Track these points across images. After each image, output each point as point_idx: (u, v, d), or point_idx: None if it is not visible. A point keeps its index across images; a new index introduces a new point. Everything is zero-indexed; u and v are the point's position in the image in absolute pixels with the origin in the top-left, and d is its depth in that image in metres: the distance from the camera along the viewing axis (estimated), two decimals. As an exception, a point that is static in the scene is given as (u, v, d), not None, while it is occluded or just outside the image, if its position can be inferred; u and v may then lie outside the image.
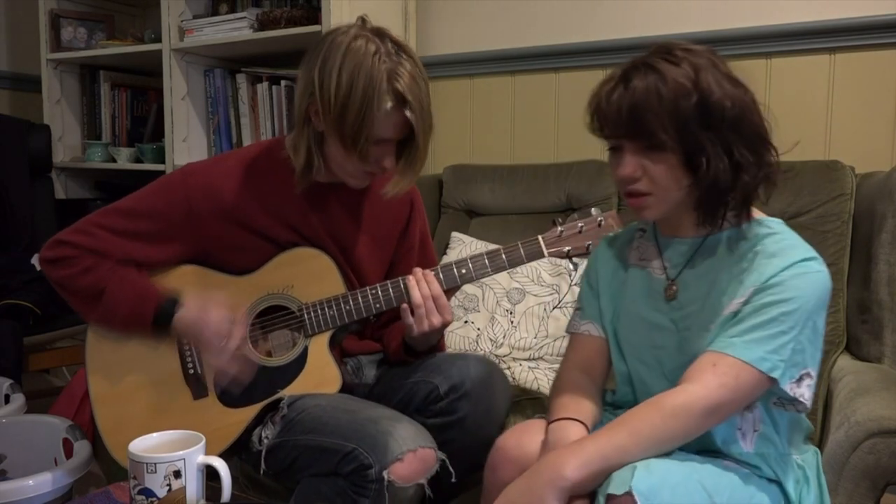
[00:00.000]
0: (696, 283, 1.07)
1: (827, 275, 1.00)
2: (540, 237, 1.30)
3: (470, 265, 1.30)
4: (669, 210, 1.04)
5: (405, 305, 1.29)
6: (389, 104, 1.20)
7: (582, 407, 1.08)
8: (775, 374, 0.95)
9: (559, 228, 1.29)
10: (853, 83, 1.84)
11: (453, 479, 1.23)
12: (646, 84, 0.97)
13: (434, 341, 1.38)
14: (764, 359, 0.95)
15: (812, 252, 1.01)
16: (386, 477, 1.13)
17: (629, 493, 0.87)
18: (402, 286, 1.31)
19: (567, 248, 1.28)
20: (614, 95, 0.99)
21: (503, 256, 1.30)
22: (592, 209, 1.30)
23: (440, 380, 1.31)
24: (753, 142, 0.99)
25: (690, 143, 0.96)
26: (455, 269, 1.30)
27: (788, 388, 0.97)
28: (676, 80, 0.96)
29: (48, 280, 1.37)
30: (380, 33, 1.24)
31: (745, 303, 0.99)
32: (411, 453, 1.16)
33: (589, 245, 1.28)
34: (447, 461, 1.22)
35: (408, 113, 1.21)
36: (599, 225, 1.27)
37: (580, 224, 1.29)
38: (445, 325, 1.30)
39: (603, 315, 1.18)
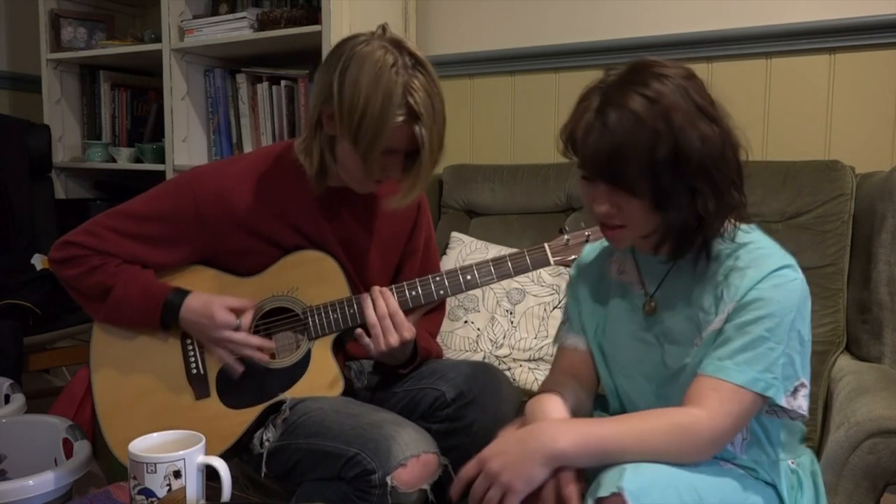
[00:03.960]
0: (673, 298, 1.07)
1: (802, 281, 1.00)
2: (546, 245, 1.30)
3: (475, 272, 1.30)
4: (640, 240, 1.04)
5: (360, 331, 1.28)
6: (401, 118, 1.19)
7: (563, 388, 1.08)
8: (770, 393, 0.95)
9: (566, 237, 1.29)
10: (853, 83, 1.84)
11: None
12: (623, 128, 0.94)
13: (402, 357, 1.36)
14: (757, 379, 0.95)
15: (786, 259, 1.00)
16: (389, 482, 1.13)
17: (618, 494, 0.86)
18: (406, 291, 1.30)
19: (573, 257, 1.28)
20: (592, 136, 0.97)
21: (508, 264, 1.30)
22: None
23: (446, 387, 1.30)
24: (718, 186, 0.97)
25: (660, 190, 0.96)
26: (460, 276, 1.30)
27: (785, 402, 0.97)
28: (653, 126, 0.94)
29: (57, 279, 1.38)
30: (399, 45, 1.22)
31: (727, 320, 0.99)
32: (414, 458, 1.16)
33: None
34: (450, 466, 1.22)
35: (417, 128, 1.20)
36: None
37: (587, 233, 1.29)
38: (404, 343, 1.29)
39: (586, 329, 1.18)
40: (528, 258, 1.29)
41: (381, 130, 1.19)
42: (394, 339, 1.27)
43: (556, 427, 0.96)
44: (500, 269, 1.30)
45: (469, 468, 0.98)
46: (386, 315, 1.27)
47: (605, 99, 0.97)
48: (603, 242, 1.23)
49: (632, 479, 0.88)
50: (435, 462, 1.20)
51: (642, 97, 0.95)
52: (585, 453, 0.94)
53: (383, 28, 1.25)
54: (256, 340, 1.33)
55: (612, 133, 0.95)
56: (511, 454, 0.95)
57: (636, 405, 1.12)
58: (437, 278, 1.31)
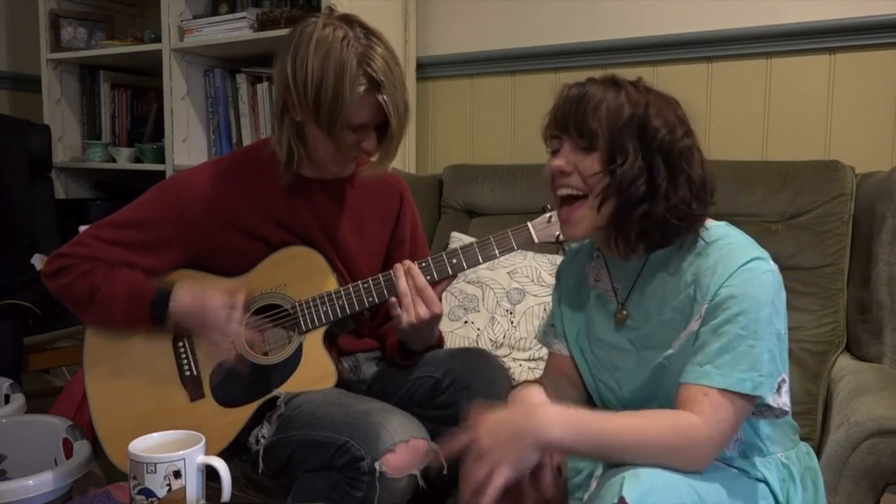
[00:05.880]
0: (646, 303, 1.06)
1: (774, 273, 0.98)
2: (529, 223, 1.30)
3: (461, 255, 1.30)
4: (595, 225, 1.03)
5: (394, 299, 1.29)
6: (362, 88, 1.21)
7: (551, 384, 1.09)
8: (759, 392, 0.93)
9: (548, 214, 1.30)
10: (853, 83, 1.84)
11: (444, 471, 1.22)
12: (600, 88, 1.01)
13: (429, 339, 1.37)
14: (743, 380, 0.93)
15: (756, 251, 0.98)
16: (378, 468, 1.13)
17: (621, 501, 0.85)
18: (393, 279, 1.31)
19: (557, 233, 1.29)
20: (570, 92, 1.03)
21: (493, 245, 1.30)
22: None
23: (442, 373, 1.31)
24: (677, 176, 0.99)
25: (616, 142, 0.98)
26: (446, 260, 1.31)
27: (772, 400, 0.95)
28: (630, 94, 1.00)
29: (50, 292, 1.38)
30: (348, 20, 1.25)
31: (703, 322, 0.97)
32: (403, 444, 1.16)
33: None
34: (440, 453, 1.22)
35: (380, 96, 1.22)
36: None
37: None
38: (434, 317, 1.29)
39: (567, 334, 1.18)
40: (512, 238, 1.30)
41: (340, 104, 1.21)
42: (423, 311, 1.27)
43: (552, 413, 0.94)
44: (485, 251, 1.30)
45: (459, 439, 0.96)
46: (414, 287, 1.28)
47: (592, 78, 1.04)
48: (582, 246, 1.23)
49: (631, 486, 0.86)
50: (424, 448, 1.20)
51: (631, 84, 1.02)
52: (579, 443, 0.92)
53: (330, 9, 1.27)
54: (239, 348, 1.32)
55: (588, 89, 1.01)
56: (503, 434, 0.93)
57: (616, 409, 1.12)
58: (423, 264, 1.31)
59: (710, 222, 1.05)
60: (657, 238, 1.01)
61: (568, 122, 1.01)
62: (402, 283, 1.27)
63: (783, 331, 0.98)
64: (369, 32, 1.24)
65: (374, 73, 1.21)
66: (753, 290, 0.95)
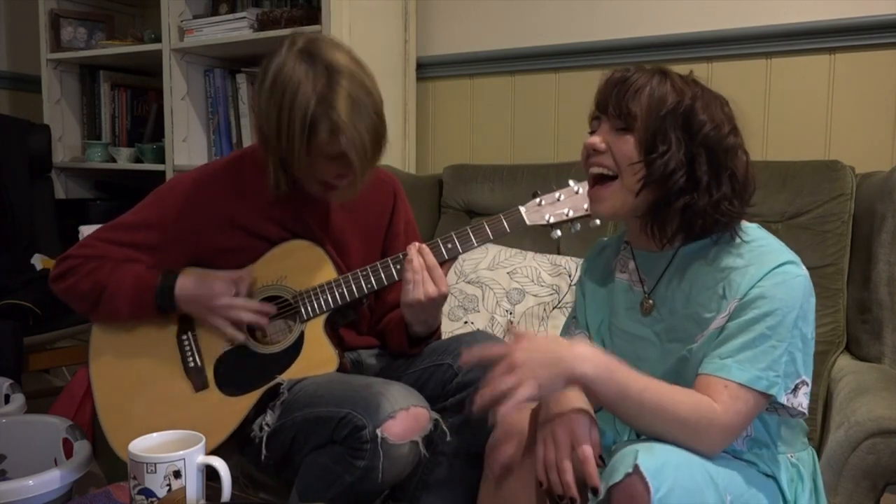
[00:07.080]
0: (673, 296, 1.07)
1: (806, 278, 0.99)
2: (520, 207, 1.32)
3: (455, 239, 1.32)
4: (626, 207, 1.04)
5: (407, 273, 1.30)
6: (325, 134, 1.22)
7: None
8: (772, 392, 0.95)
9: (539, 199, 1.32)
10: (853, 83, 1.84)
11: (448, 438, 1.24)
12: (645, 75, 1.02)
13: (432, 321, 1.38)
14: (759, 377, 0.95)
15: (789, 255, 1.00)
16: (379, 435, 1.15)
17: (635, 473, 0.86)
18: (390, 265, 1.34)
19: (547, 216, 1.31)
20: (614, 75, 1.05)
21: (486, 228, 1.32)
22: (570, 180, 1.32)
23: (451, 358, 1.33)
24: (719, 172, 1.00)
25: (658, 129, 0.99)
26: (441, 245, 1.32)
27: (785, 399, 0.97)
28: (675, 84, 1.02)
29: (57, 295, 1.42)
30: (310, 54, 1.23)
31: (730, 318, 0.99)
32: (403, 411, 1.18)
33: (568, 212, 1.29)
34: (440, 420, 1.24)
35: (342, 139, 1.22)
36: (577, 193, 1.30)
37: (557, 194, 1.32)
38: (441, 295, 1.30)
39: (589, 325, 1.19)
40: (504, 221, 1.32)
41: (302, 149, 1.23)
42: (432, 289, 1.28)
43: (589, 351, 0.97)
44: (478, 235, 1.32)
45: (494, 349, 1.00)
46: (425, 266, 1.29)
47: (642, 65, 1.05)
48: (609, 242, 1.24)
49: (646, 458, 0.88)
50: (425, 416, 1.22)
51: (680, 77, 1.03)
52: (605, 387, 0.94)
53: (293, 38, 1.27)
54: (256, 304, 1.36)
55: (632, 74, 1.03)
56: (538, 355, 0.96)
57: None
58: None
59: (744, 223, 1.06)
60: (697, 230, 1.02)
61: (608, 102, 1.03)
62: (416, 261, 1.29)
63: (810, 335, 1.00)
64: (329, 68, 1.22)
65: (333, 119, 1.21)
66: (783, 293, 0.97)
